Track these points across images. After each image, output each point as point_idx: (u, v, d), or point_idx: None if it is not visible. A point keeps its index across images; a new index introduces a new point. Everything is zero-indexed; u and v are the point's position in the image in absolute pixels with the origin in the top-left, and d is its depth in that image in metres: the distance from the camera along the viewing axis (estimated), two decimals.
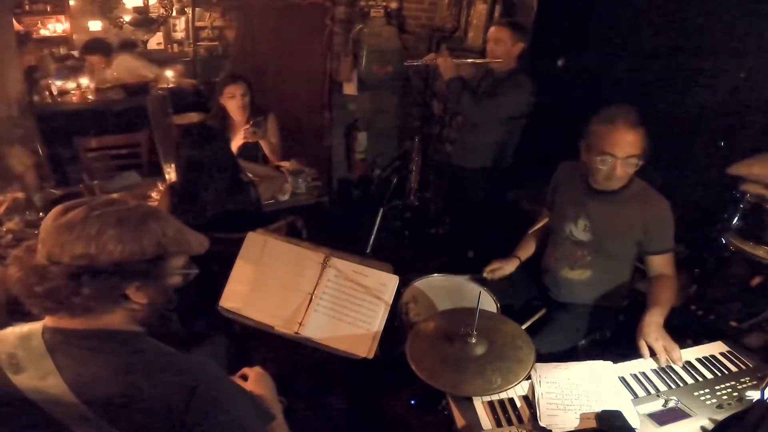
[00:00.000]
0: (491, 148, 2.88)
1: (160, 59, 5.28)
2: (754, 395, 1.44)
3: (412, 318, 1.88)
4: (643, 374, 1.56)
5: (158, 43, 5.98)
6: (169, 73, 4.85)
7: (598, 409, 1.38)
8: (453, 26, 3.81)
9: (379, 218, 2.59)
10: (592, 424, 1.35)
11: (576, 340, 1.96)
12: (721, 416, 1.36)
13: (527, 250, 2.22)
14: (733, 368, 1.59)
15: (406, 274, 1.86)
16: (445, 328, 1.58)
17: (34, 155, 3.38)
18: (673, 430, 1.35)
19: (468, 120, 2.98)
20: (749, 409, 1.27)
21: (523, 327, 1.69)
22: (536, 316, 1.96)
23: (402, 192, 4.05)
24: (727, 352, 1.67)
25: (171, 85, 4.70)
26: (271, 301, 1.66)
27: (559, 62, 3.06)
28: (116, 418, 0.94)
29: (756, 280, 1.89)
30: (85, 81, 4.35)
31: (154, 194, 2.72)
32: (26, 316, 1.02)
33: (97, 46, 4.64)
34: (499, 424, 1.37)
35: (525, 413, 1.42)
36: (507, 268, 2.12)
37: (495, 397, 1.45)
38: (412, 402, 2.21)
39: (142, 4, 5.66)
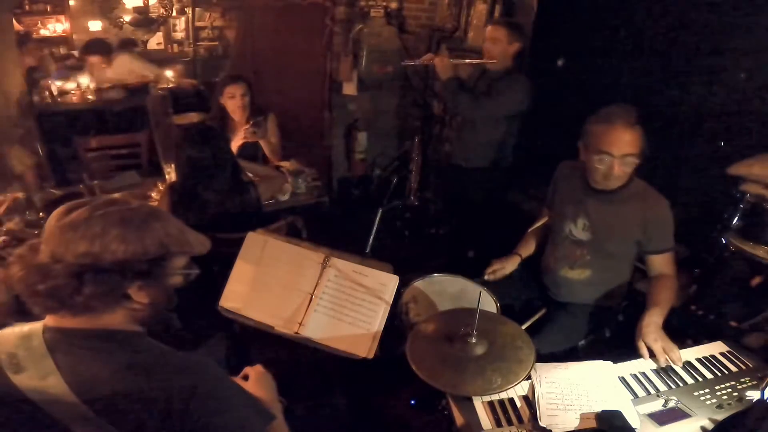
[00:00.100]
0: (490, 148, 2.88)
1: (160, 59, 5.29)
2: (754, 395, 1.44)
3: (412, 318, 1.87)
4: (643, 374, 1.56)
5: (158, 43, 5.98)
6: (169, 73, 4.85)
7: (598, 409, 1.38)
8: (453, 26, 3.81)
9: (378, 218, 2.60)
10: (592, 424, 1.35)
11: (576, 340, 1.97)
12: (721, 416, 1.36)
13: (528, 247, 2.22)
14: (733, 368, 1.59)
15: (406, 274, 1.86)
16: (445, 329, 1.58)
17: (34, 155, 3.40)
18: (673, 430, 1.35)
19: (466, 119, 2.99)
20: (749, 409, 1.27)
21: (523, 327, 1.69)
22: (536, 316, 1.97)
23: (402, 192, 4.05)
24: (727, 352, 1.67)
25: (171, 85, 4.70)
26: (271, 301, 1.66)
27: (559, 62, 3.06)
28: (116, 417, 0.94)
29: (756, 280, 1.88)
30: (85, 81, 4.35)
31: (154, 194, 2.72)
32: (27, 316, 1.02)
33: (97, 46, 4.65)
34: (499, 424, 1.37)
35: (525, 413, 1.42)
36: (508, 266, 2.12)
37: (495, 397, 1.45)
38: (412, 402, 2.21)
39: (142, 4, 5.66)
